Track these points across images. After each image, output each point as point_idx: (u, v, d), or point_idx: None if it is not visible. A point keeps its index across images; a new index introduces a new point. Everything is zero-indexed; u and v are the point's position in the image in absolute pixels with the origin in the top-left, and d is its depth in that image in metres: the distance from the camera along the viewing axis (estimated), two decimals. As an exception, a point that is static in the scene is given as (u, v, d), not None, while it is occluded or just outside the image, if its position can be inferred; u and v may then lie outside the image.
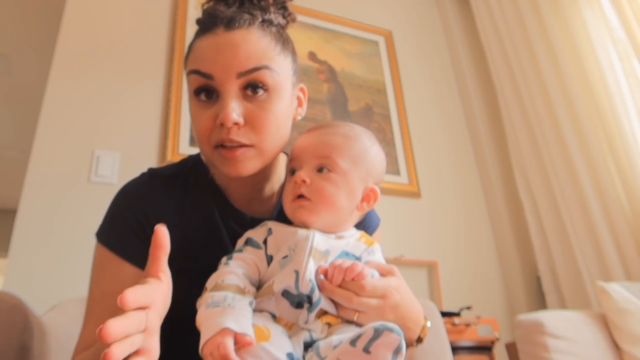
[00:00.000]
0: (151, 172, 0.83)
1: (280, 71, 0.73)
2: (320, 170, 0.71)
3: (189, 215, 0.79)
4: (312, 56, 2.42)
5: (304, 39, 2.42)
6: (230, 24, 0.71)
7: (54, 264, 1.57)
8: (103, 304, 0.73)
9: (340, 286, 0.64)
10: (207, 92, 0.72)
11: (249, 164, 0.71)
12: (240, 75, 0.70)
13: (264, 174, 0.81)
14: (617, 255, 1.84)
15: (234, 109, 0.69)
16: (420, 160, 2.40)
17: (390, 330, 0.52)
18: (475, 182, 2.54)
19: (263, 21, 0.74)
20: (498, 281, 2.31)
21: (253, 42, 0.71)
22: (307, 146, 0.73)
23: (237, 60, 0.69)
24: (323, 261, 0.67)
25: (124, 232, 0.76)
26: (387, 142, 2.36)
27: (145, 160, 1.85)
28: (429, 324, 0.74)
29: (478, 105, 2.64)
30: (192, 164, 0.86)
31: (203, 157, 0.83)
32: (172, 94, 1.98)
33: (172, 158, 1.85)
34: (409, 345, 0.72)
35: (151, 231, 0.74)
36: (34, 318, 0.89)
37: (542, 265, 2.17)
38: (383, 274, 0.70)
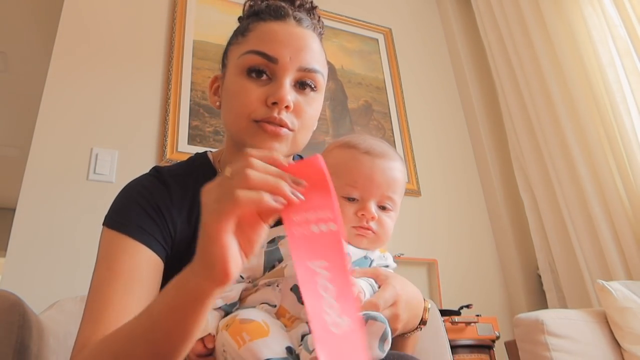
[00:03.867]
0: (158, 169, 0.82)
1: (325, 80, 0.80)
2: (382, 207, 0.75)
3: (196, 216, 0.78)
4: (312, 54, 2.41)
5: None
6: (300, 21, 0.77)
7: (52, 262, 1.57)
8: (113, 281, 0.68)
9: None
10: (258, 72, 0.74)
11: (282, 147, 0.74)
12: (301, 69, 0.74)
13: None
14: (617, 254, 1.84)
15: (289, 92, 0.73)
16: (419, 159, 2.40)
17: (374, 318, 0.54)
18: (475, 180, 2.53)
19: (320, 33, 0.81)
20: (498, 279, 2.31)
21: (316, 46, 0.77)
22: (372, 179, 0.73)
23: (303, 54, 0.74)
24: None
25: (138, 216, 0.74)
26: (386, 140, 2.32)
27: (144, 158, 1.84)
28: (430, 305, 0.77)
29: (478, 103, 2.63)
30: (200, 162, 0.86)
31: (230, 133, 0.79)
32: (171, 91, 1.97)
33: (171, 156, 1.84)
34: (416, 329, 0.76)
35: (166, 214, 0.75)
36: (32, 316, 0.89)
37: (542, 264, 2.17)
38: (377, 277, 0.71)
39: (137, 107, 1.92)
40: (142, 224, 0.73)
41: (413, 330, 0.75)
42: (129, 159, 1.81)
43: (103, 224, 0.75)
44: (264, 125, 0.72)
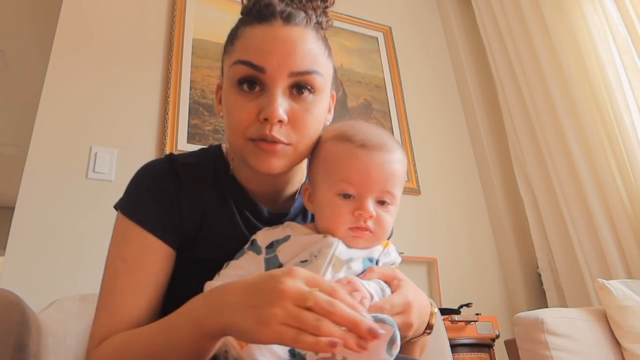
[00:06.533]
0: (171, 158, 0.81)
1: (326, 76, 0.74)
2: (381, 202, 0.70)
3: (205, 207, 0.78)
4: (311, 52, 2.40)
5: (303, 35, 2.41)
6: (289, 18, 0.70)
7: (52, 260, 1.56)
8: (126, 273, 0.71)
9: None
10: (250, 83, 0.70)
11: (281, 162, 0.70)
12: (293, 74, 0.69)
13: (287, 175, 0.80)
14: (617, 252, 1.84)
15: (281, 105, 0.68)
16: (419, 157, 2.40)
17: (383, 321, 0.52)
18: (475, 179, 2.53)
19: (317, 22, 0.74)
20: (498, 278, 2.30)
21: (309, 43, 0.71)
22: (369, 175, 0.69)
23: (293, 59, 0.69)
24: (345, 267, 0.67)
25: (149, 205, 0.74)
26: (386, 139, 2.34)
27: (143, 157, 1.83)
28: (436, 309, 0.75)
29: (477, 101, 2.63)
30: (213, 155, 0.84)
31: (230, 149, 0.79)
32: (170, 89, 1.96)
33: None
34: (423, 334, 0.74)
35: (175, 204, 0.75)
36: (32, 315, 0.88)
37: (542, 262, 2.16)
38: (388, 280, 0.69)
39: (137, 106, 1.92)
40: (154, 215, 0.73)
41: (420, 335, 0.74)
42: (128, 158, 1.81)
43: (116, 208, 0.76)
44: (259, 144, 0.69)
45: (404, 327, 0.65)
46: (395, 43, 2.68)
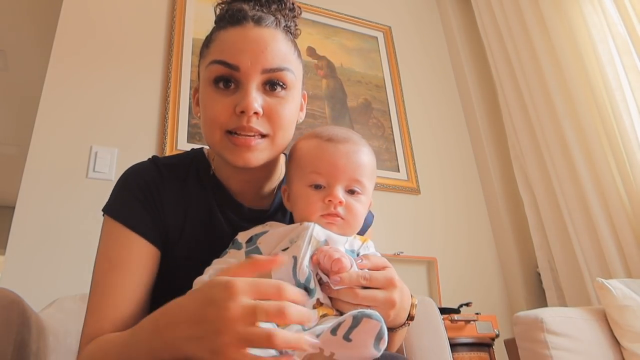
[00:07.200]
0: (154, 159, 0.86)
1: (297, 74, 0.79)
2: (351, 191, 0.74)
3: (187, 206, 0.81)
4: (311, 52, 2.41)
5: (303, 35, 2.39)
6: (259, 21, 0.76)
7: (52, 260, 1.57)
8: (111, 273, 0.73)
9: (341, 283, 0.65)
10: (225, 82, 0.74)
11: (258, 155, 0.74)
12: (265, 71, 0.74)
13: (265, 171, 0.83)
14: (617, 252, 1.84)
15: (256, 99, 0.72)
16: (419, 157, 2.40)
17: (369, 317, 0.53)
18: (475, 178, 2.53)
19: (285, 26, 0.80)
20: (497, 277, 2.31)
21: (279, 42, 0.76)
22: (337, 165, 0.73)
23: (264, 56, 0.74)
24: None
25: (133, 206, 0.78)
26: (385, 138, 2.35)
27: (143, 156, 1.81)
28: (416, 301, 0.77)
29: (477, 101, 2.63)
30: (194, 156, 0.88)
31: (209, 146, 0.83)
32: (170, 89, 1.97)
33: (170, 154, 1.84)
34: (403, 325, 0.75)
35: (158, 205, 0.78)
36: (32, 314, 0.89)
37: (541, 262, 2.17)
38: (378, 269, 0.71)
39: (137, 106, 1.92)
40: (138, 215, 0.77)
41: (400, 326, 0.75)
42: (128, 157, 1.81)
43: (103, 211, 0.80)
44: (234, 139, 0.73)
45: (387, 304, 0.66)
46: (395, 43, 2.68)
